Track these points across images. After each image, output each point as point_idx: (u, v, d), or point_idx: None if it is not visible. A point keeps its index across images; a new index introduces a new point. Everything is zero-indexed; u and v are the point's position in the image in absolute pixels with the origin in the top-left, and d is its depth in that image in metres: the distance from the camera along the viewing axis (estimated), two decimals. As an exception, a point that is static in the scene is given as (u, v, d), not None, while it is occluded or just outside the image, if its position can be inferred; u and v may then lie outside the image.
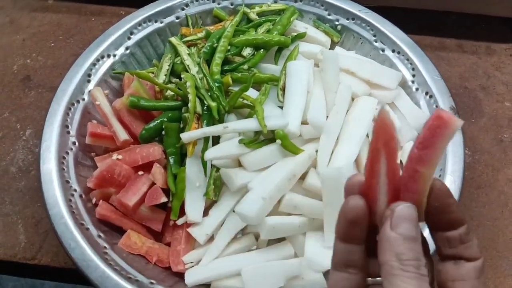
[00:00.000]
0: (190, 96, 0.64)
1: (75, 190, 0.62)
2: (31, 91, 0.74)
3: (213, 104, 0.64)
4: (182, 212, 0.62)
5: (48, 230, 0.64)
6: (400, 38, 0.75)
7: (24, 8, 0.85)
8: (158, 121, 0.66)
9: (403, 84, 0.73)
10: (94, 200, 0.64)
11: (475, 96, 0.84)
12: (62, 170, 0.63)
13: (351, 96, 0.69)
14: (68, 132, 0.67)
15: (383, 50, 0.76)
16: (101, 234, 0.60)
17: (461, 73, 0.87)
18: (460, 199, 0.60)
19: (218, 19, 0.83)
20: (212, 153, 0.60)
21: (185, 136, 0.61)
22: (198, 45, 0.75)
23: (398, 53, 0.74)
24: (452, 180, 0.61)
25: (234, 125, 0.63)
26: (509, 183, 0.76)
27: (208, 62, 0.71)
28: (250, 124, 0.63)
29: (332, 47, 0.81)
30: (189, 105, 0.64)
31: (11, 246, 0.63)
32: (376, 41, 0.77)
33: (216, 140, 0.66)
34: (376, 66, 0.73)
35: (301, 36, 0.78)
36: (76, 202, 0.61)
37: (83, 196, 0.63)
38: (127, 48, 0.77)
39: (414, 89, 0.72)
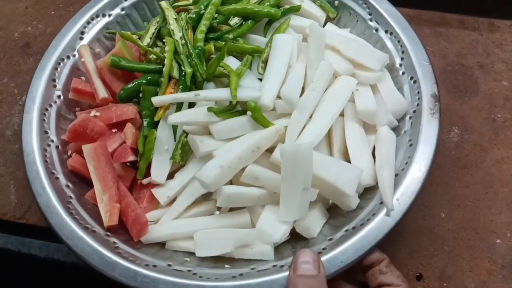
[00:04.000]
0: (166, 60, 0.65)
1: (52, 141, 0.66)
2: (30, 58, 0.76)
3: (189, 70, 0.65)
4: (149, 173, 0.64)
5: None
6: (396, 18, 0.72)
7: None
8: (137, 82, 0.67)
9: (391, 67, 0.70)
10: (69, 153, 0.67)
11: (471, 74, 0.81)
12: (42, 121, 0.66)
13: (334, 75, 0.68)
14: (55, 86, 0.70)
15: (376, 30, 0.74)
16: (70, 185, 0.63)
17: (459, 50, 0.83)
18: (422, 188, 0.58)
19: (217, -14, 0.82)
20: (176, 117, 0.62)
21: (156, 100, 0.62)
22: (189, 11, 0.75)
23: (391, 34, 0.72)
24: (417, 168, 0.59)
25: (206, 93, 0.64)
26: (497, 164, 0.73)
27: (195, 28, 0.72)
28: (222, 93, 0.63)
29: (327, 23, 0.79)
30: (164, 69, 0.65)
31: (2, 205, 0.66)
32: (371, 20, 0.74)
33: (192, 106, 0.67)
34: (363, 46, 0.70)
35: (295, 10, 0.76)
36: (52, 152, 0.65)
37: (60, 147, 0.66)
38: (122, 9, 0.78)
39: (400, 73, 0.69)
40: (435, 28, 0.86)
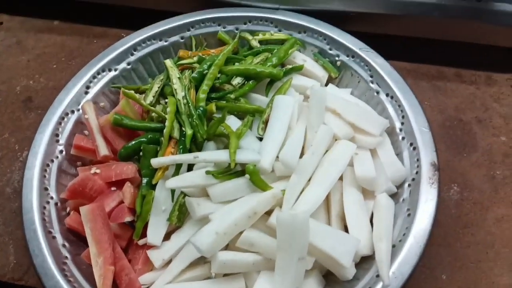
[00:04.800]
0: (167, 122, 0.66)
1: (52, 198, 0.66)
2: (32, 112, 0.76)
3: (189, 132, 0.66)
4: (145, 233, 0.64)
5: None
6: (396, 82, 0.73)
7: (31, 29, 0.86)
8: (137, 141, 0.68)
9: (391, 130, 0.71)
10: (68, 209, 0.67)
11: (470, 129, 0.81)
12: (43, 177, 0.67)
13: (334, 137, 0.68)
14: (58, 141, 0.71)
15: (377, 93, 0.74)
16: (66, 244, 0.63)
17: (457, 105, 0.84)
18: (419, 262, 0.57)
19: (222, 42, 0.84)
20: (174, 182, 0.62)
21: (155, 162, 0.63)
22: (193, 69, 0.77)
23: (392, 97, 0.72)
24: (415, 240, 0.59)
25: (205, 155, 0.64)
26: (497, 223, 0.73)
27: (198, 87, 0.73)
28: (221, 156, 0.64)
29: (329, 82, 0.80)
30: (165, 130, 0.66)
31: (1, 267, 0.66)
32: (372, 82, 0.75)
33: (192, 166, 0.67)
34: (363, 110, 0.71)
35: (297, 69, 0.78)
36: (50, 209, 0.65)
37: (59, 204, 0.67)
38: (128, 64, 0.80)
39: (400, 138, 0.69)
40: (432, 82, 0.87)
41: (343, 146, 0.67)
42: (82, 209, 0.62)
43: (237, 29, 0.84)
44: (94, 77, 0.77)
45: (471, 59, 0.89)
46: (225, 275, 0.63)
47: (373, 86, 0.75)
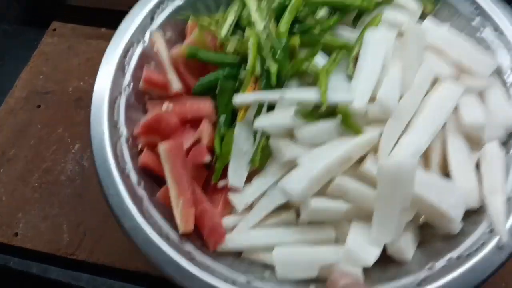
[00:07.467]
0: (250, 56, 0.59)
1: (122, 133, 0.61)
2: (82, 110, 0.83)
3: (274, 67, 0.59)
4: (223, 175, 0.59)
5: (85, 231, 0.71)
6: (504, 14, 0.63)
7: (81, 36, 0.93)
8: (214, 76, 0.62)
9: (498, 72, 0.62)
10: (140, 146, 0.62)
11: None
12: (112, 113, 0.62)
13: (433, 79, 0.60)
14: (124, 74, 0.65)
15: (480, 29, 0.65)
16: (142, 182, 0.59)
17: None
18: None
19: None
20: (263, 121, 0.56)
21: (238, 99, 0.57)
22: (272, -2, 0.68)
23: (501, 34, 0.63)
24: None
25: (292, 93, 0.58)
26: None
27: (278, 20, 0.65)
28: (309, 95, 0.57)
29: (422, 17, 0.71)
30: (248, 65, 0.59)
31: (56, 242, 0.72)
32: (473, 20, 0.66)
33: (271, 106, 0.61)
34: (470, 48, 0.62)
35: (388, 1, 0.68)
36: (122, 146, 0.60)
37: (130, 140, 0.62)
38: (195, -9, 0.72)
39: (510, 81, 0.61)
40: None
41: (447, 87, 0.59)
42: (161, 147, 0.56)
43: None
44: (159, 4, 0.70)
45: None
46: (309, 223, 0.58)
47: (475, 24, 0.66)
